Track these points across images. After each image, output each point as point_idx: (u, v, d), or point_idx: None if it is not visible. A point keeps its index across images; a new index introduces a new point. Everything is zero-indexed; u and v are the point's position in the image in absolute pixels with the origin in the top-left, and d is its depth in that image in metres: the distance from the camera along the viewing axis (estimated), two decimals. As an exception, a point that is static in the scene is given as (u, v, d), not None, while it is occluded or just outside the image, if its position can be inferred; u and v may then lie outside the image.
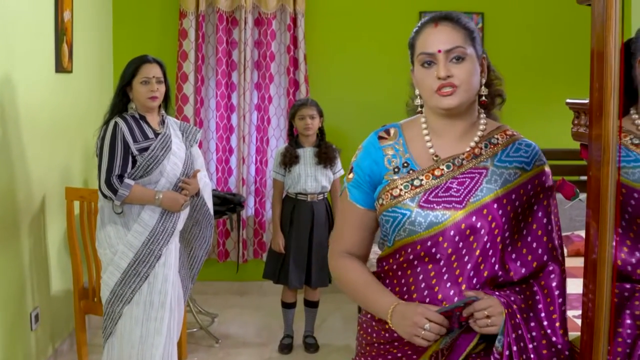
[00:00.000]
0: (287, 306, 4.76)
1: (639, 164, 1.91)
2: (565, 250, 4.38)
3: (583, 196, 1.86)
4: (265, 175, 5.72)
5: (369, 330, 2.02)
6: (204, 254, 4.00)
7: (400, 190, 1.92)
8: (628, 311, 1.85)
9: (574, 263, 3.63)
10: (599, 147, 1.59)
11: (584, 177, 1.78)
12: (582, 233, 1.84)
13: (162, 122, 3.72)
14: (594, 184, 1.63)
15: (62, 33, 4.36)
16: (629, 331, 1.83)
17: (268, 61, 5.62)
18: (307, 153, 4.58)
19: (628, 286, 1.89)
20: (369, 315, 2.02)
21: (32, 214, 4.02)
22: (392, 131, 2.03)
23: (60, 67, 4.37)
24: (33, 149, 3.96)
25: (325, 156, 4.56)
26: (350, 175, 2.04)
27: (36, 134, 4.01)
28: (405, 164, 1.96)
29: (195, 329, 4.98)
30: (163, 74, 3.68)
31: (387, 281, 1.99)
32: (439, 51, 1.86)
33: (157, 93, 3.62)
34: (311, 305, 4.78)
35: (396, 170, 1.96)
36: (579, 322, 1.80)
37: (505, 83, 2.05)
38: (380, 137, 2.02)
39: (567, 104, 1.88)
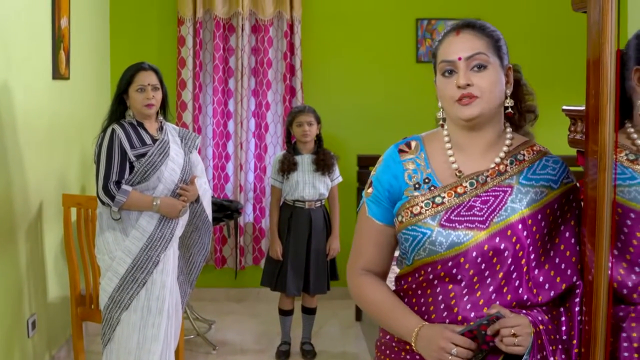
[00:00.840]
0: (285, 313, 4.75)
1: (634, 181, 1.83)
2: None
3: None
4: (264, 182, 5.72)
5: (388, 352, 1.94)
6: (202, 260, 4.00)
7: (421, 207, 1.84)
8: (624, 334, 1.79)
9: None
10: (595, 166, 1.59)
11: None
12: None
13: (161, 129, 3.72)
14: (590, 200, 1.62)
15: (59, 40, 4.36)
16: (625, 354, 1.77)
17: (265, 68, 5.63)
18: (305, 160, 4.58)
19: (622, 306, 1.81)
20: (387, 337, 1.95)
21: (29, 220, 4.01)
22: (413, 144, 1.94)
23: (58, 74, 4.37)
24: (30, 156, 3.96)
25: (323, 163, 4.56)
26: (370, 190, 1.95)
27: (33, 140, 4.01)
28: (426, 180, 1.88)
29: (192, 336, 4.98)
30: (159, 81, 3.68)
31: (406, 300, 1.91)
32: (459, 59, 1.79)
33: (153, 100, 3.62)
34: (309, 312, 4.77)
35: (417, 186, 1.87)
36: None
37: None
38: (401, 151, 1.93)
39: (564, 110, 1.88)
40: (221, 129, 5.70)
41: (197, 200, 3.83)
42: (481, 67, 1.79)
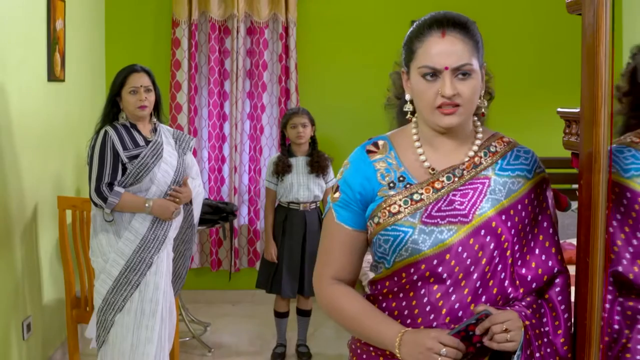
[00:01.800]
0: (280, 315, 4.75)
1: None
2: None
3: (574, 204, 1.86)
4: (259, 184, 5.72)
5: (365, 356, 1.87)
6: (185, 270, 4.02)
7: (399, 206, 1.77)
8: (639, 326, 1.78)
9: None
10: (590, 155, 1.60)
11: (576, 186, 1.79)
12: (574, 241, 1.82)
13: (154, 130, 3.72)
14: (585, 202, 1.63)
15: (54, 42, 4.36)
16: (639, 347, 1.76)
17: (260, 70, 5.63)
18: (299, 162, 4.58)
19: None
20: (363, 340, 1.86)
21: (24, 223, 4.01)
22: (380, 143, 1.87)
23: (53, 76, 4.37)
24: (25, 158, 3.96)
25: (317, 165, 4.56)
26: (336, 195, 1.86)
27: (28, 142, 4.01)
28: (401, 178, 1.80)
29: (187, 338, 4.97)
30: (152, 82, 3.69)
31: (385, 304, 1.82)
32: (446, 68, 1.71)
33: (146, 102, 3.63)
34: (304, 314, 4.77)
35: (391, 185, 1.80)
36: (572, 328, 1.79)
37: (495, 92, 1.93)
38: (369, 151, 1.86)
39: (558, 112, 1.87)
40: (217, 131, 5.69)
41: (191, 201, 3.83)
42: (466, 74, 1.73)
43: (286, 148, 4.65)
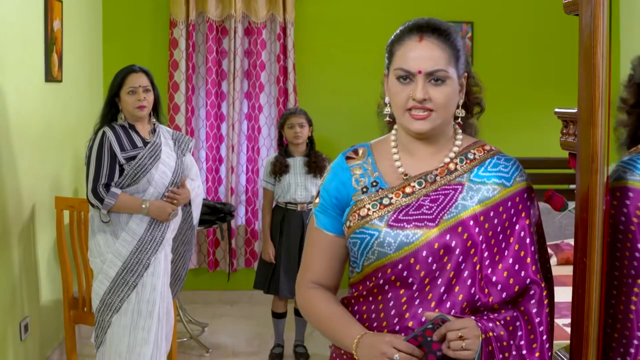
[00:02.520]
0: (278, 316, 4.75)
1: None
2: (555, 259, 4.42)
3: (572, 205, 1.85)
4: (257, 185, 5.72)
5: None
6: (184, 274, 4.01)
7: (368, 210, 1.79)
8: None
9: (564, 271, 3.64)
10: (587, 155, 1.60)
11: (573, 186, 1.78)
12: (572, 241, 1.81)
13: (153, 131, 3.72)
14: (583, 203, 1.63)
15: (51, 42, 4.36)
16: None
17: (258, 70, 5.63)
18: (297, 162, 4.58)
19: None
20: (342, 350, 1.88)
21: (22, 223, 4.00)
22: (360, 151, 1.90)
23: (50, 76, 4.37)
24: (23, 159, 3.95)
25: (315, 165, 4.56)
26: (317, 200, 1.91)
27: (26, 143, 4.00)
28: (374, 183, 1.83)
29: (185, 339, 4.97)
30: (151, 83, 3.69)
31: (357, 308, 1.84)
32: (420, 72, 1.72)
33: (144, 102, 3.62)
34: (301, 314, 4.76)
35: (365, 189, 1.82)
36: (569, 330, 1.78)
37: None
38: (348, 157, 1.90)
39: (556, 113, 1.87)
40: (215, 132, 5.69)
41: (190, 203, 3.83)
42: (439, 80, 1.73)
43: (284, 148, 4.65)
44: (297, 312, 4.77)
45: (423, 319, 1.71)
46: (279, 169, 4.54)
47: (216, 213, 5.02)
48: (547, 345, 1.74)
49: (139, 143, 3.62)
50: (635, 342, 1.72)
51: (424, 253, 1.72)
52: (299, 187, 4.55)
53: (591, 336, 1.63)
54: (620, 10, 5.61)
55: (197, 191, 3.89)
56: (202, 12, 5.60)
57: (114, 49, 5.60)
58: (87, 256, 3.73)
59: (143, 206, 3.54)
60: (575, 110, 1.72)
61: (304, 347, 4.78)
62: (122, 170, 3.55)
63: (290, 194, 4.55)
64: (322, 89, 5.79)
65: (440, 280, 1.72)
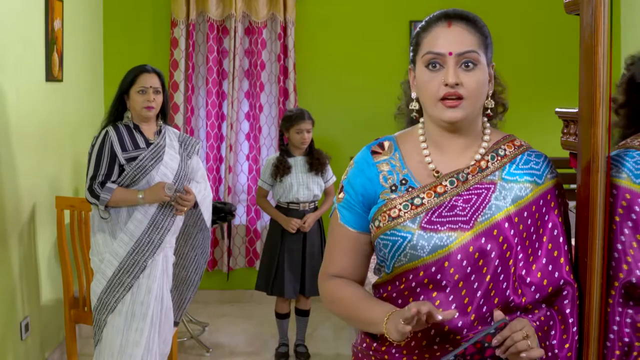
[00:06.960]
0: (281, 317, 4.74)
1: None
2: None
3: (572, 204, 1.85)
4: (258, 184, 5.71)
5: None
6: (198, 279, 4.01)
7: (399, 210, 1.72)
8: None
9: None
10: (588, 155, 1.60)
11: (574, 186, 1.78)
12: (573, 241, 1.80)
13: (159, 132, 3.71)
14: (583, 202, 1.62)
15: (52, 42, 4.36)
16: None
17: (259, 70, 5.63)
18: (298, 162, 4.58)
19: None
20: (364, 345, 1.82)
21: (22, 223, 4.00)
22: (386, 145, 1.82)
23: (51, 76, 4.36)
24: (23, 158, 3.95)
25: (317, 162, 4.56)
26: (341, 195, 1.83)
27: (26, 142, 4.00)
28: (403, 181, 1.76)
29: (185, 338, 4.97)
30: (162, 85, 3.68)
31: None
32: (450, 53, 1.67)
33: (153, 103, 3.61)
34: (303, 314, 4.77)
35: (393, 188, 1.75)
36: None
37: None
38: (374, 152, 1.81)
39: (557, 112, 1.86)
40: (215, 131, 5.69)
41: (195, 205, 3.79)
42: (470, 64, 1.68)
43: (285, 148, 4.64)
44: (298, 312, 4.77)
45: (464, 329, 1.66)
46: (282, 170, 4.54)
47: (217, 213, 5.01)
48: (576, 345, 1.71)
49: (142, 144, 3.61)
50: (609, 344, 1.70)
51: (459, 256, 1.67)
52: (301, 187, 4.55)
53: (592, 335, 1.63)
54: (621, 10, 5.61)
55: (204, 193, 3.84)
56: (202, 12, 5.60)
57: (115, 48, 5.60)
58: (89, 255, 3.73)
59: (140, 196, 3.51)
60: (575, 110, 1.72)
61: (305, 346, 4.78)
62: (122, 170, 3.55)
63: (293, 194, 4.55)
64: (323, 89, 5.78)
65: (476, 284, 1.68)
